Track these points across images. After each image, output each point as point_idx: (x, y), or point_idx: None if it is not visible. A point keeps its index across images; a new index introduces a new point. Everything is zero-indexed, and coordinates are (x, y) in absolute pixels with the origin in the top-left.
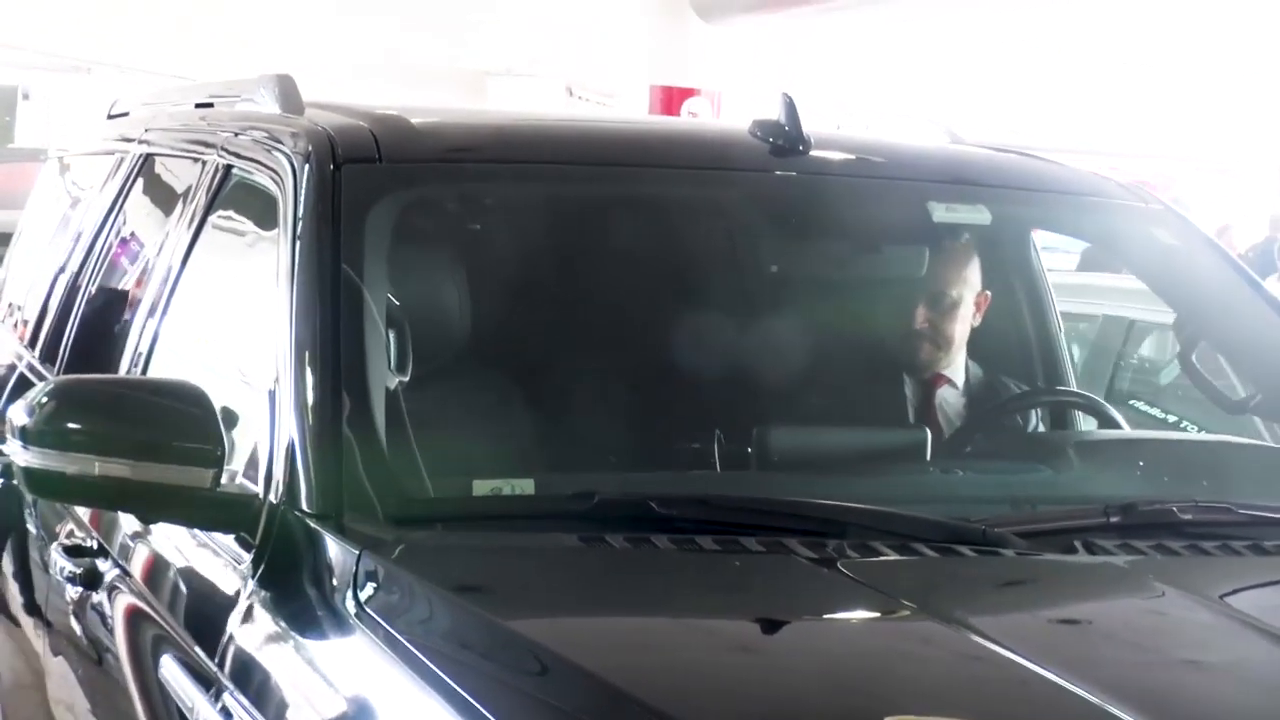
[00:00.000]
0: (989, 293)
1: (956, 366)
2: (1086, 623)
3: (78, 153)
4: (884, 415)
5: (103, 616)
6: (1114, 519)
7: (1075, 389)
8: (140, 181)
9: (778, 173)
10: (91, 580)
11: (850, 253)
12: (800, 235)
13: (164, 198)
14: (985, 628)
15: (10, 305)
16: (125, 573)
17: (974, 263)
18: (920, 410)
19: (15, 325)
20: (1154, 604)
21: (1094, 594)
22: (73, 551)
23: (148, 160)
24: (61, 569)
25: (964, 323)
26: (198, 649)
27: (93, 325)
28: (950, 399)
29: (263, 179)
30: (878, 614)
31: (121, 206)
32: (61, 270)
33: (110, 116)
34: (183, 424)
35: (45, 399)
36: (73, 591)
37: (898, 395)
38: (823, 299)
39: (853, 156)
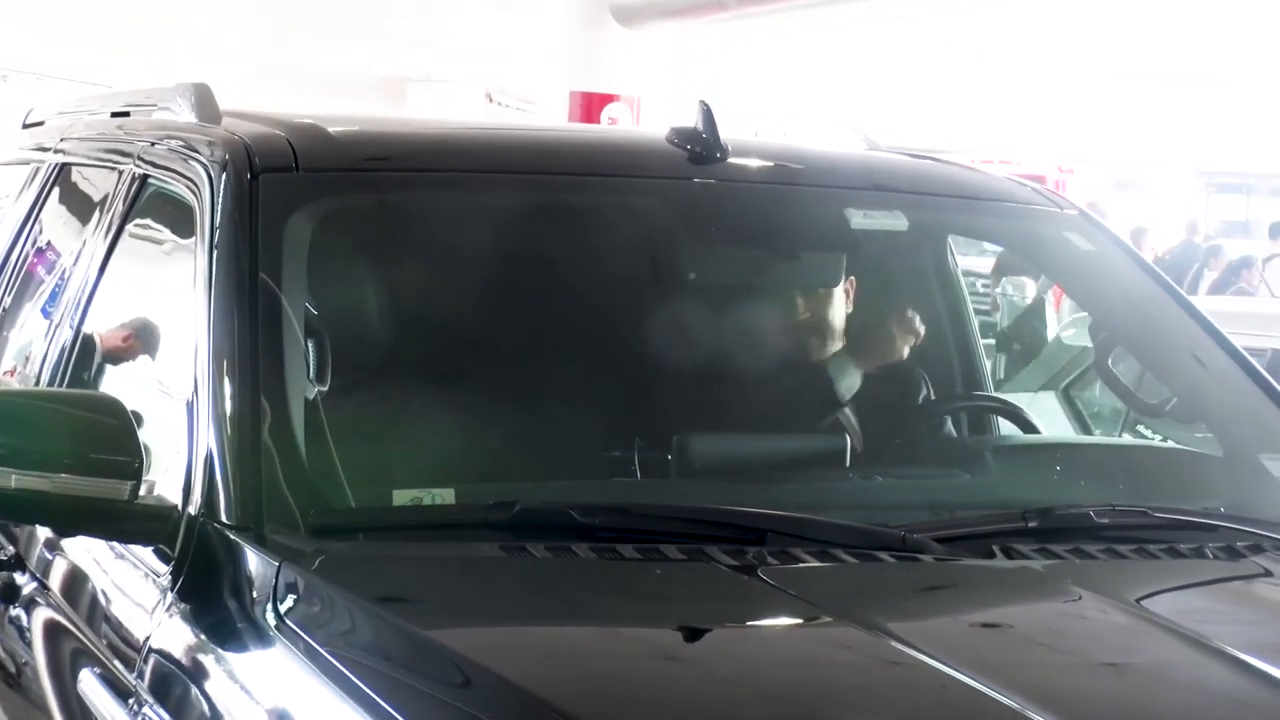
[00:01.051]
0: (854, 278)
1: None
2: (1005, 627)
3: None
4: (802, 420)
5: (20, 630)
6: (1032, 524)
7: (993, 394)
8: (56, 191)
9: (695, 180)
10: (8, 593)
11: (768, 260)
12: (718, 242)
13: (81, 208)
14: (905, 633)
15: None
16: (43, 586)
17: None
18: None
19: None
20: (1071, 608)
21: (1012, 598)
22: None
23: (64, 170)
24: None
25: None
26: (116, 662)
27: (9, 337)
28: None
29: (179, 188)
30: (798, 621)
31: (38, 216)
32: None
33: (25, 125)
34: (99, 436)
35: None
36: None
37: (814, 400)
38: (741, 306)
39: (770, 163)
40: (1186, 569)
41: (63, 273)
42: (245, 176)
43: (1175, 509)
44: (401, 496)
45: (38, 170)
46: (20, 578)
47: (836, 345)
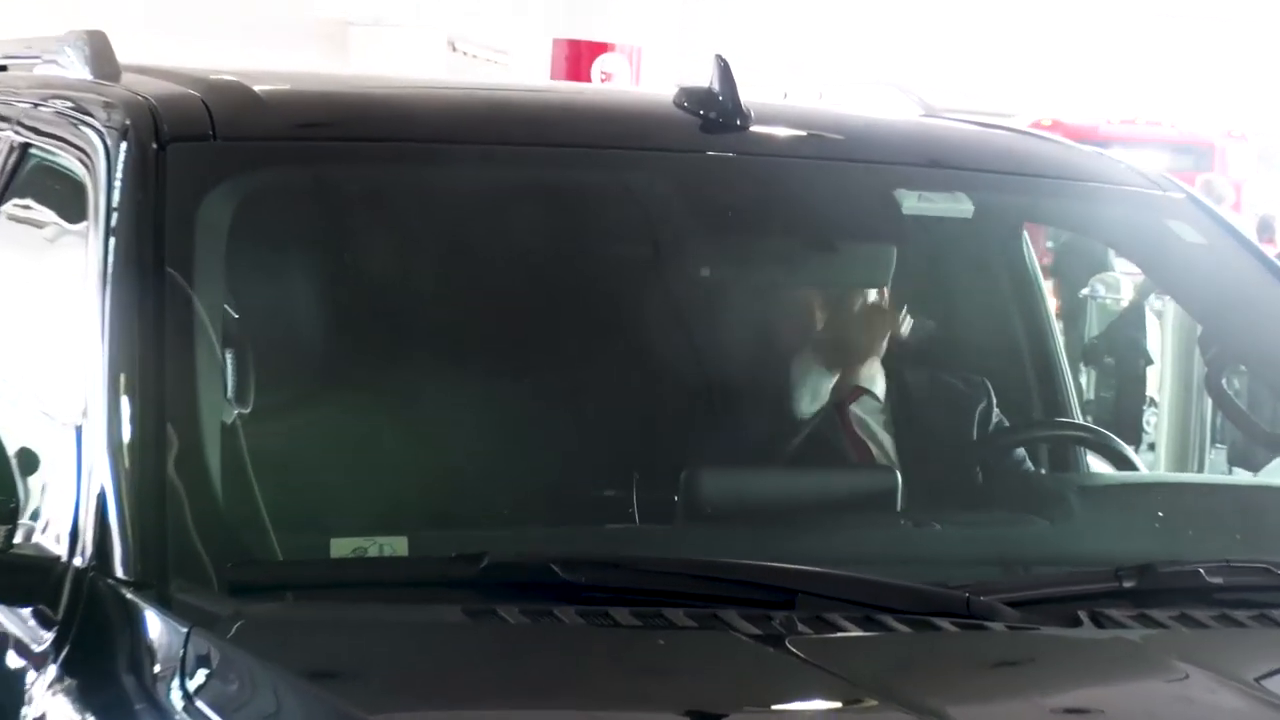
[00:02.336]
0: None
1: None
2: (1094, 714)
3: None
4: (839, 452)
5: None
6: (1127, 584)
7: (1080, 420)
8: None
9: (710, 153)
10: None
11: (799, 254)
12: (737, 231)
13: None
14: None
15: None
16: None
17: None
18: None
19: None
20: (1177, 689)
21: (1103, 678)
22: None
23: None
24: None
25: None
26: None
27: None
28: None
29: (68, 160)
30: (837, 705)
31: None
32: None
33: None
34: None
35: None
36: None
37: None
38: (764, 311)
39: (803, 133)
40: None
41: None
42: (150, 146)
43: None
44: (341, 546)
45: None
46: None
47: (882, 361)
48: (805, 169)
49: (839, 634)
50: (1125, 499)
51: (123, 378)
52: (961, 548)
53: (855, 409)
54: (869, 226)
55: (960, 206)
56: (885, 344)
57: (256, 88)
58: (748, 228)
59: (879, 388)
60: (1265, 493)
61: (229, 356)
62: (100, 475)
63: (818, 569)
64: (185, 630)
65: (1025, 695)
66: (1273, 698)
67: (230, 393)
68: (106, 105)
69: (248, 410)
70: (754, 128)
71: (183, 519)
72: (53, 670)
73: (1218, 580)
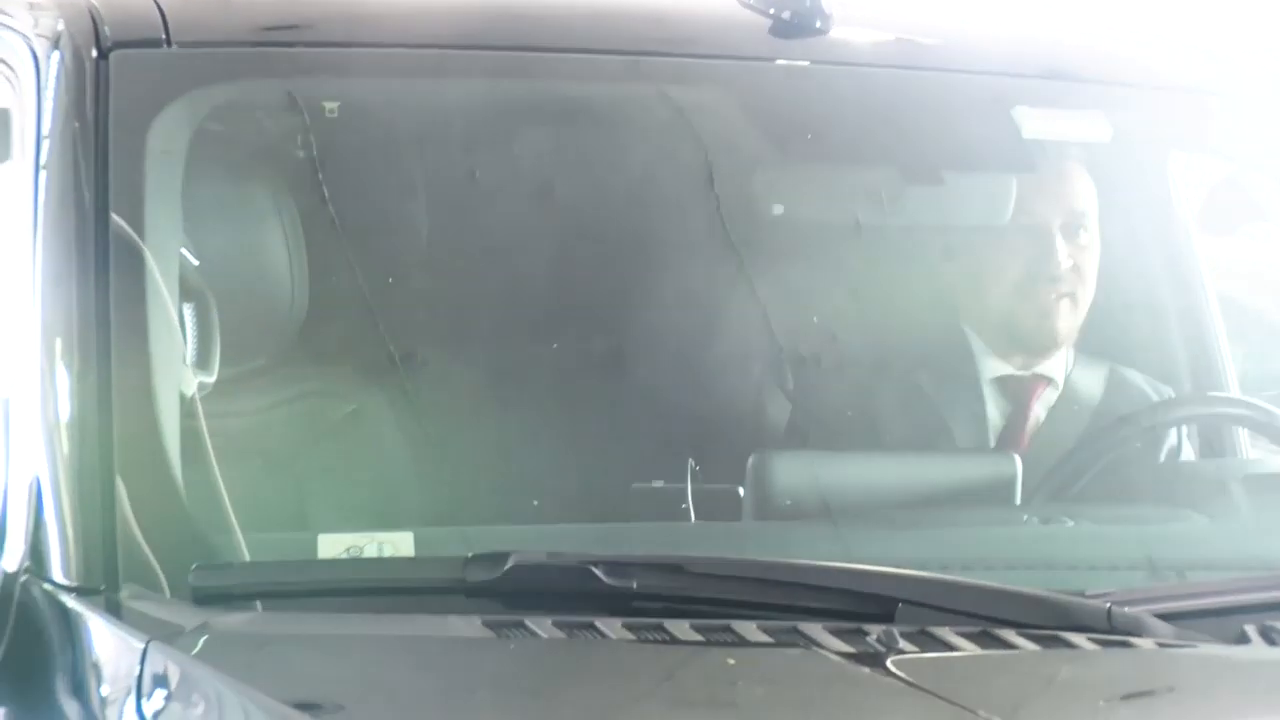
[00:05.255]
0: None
1: (1059, 360)
2: None
3: None
4: (946, 432)
5: None
6: None
7: (1240, 395)
8: None
9: (781, 61)
10: None
11: (892, 185)
12: (816, 158)
13: None
14: None
15: None
16: None
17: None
18: (1011, 427)
19: None
20: None
21: (1274, 706)
22: None
23: None
24: None
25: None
26: None
27: None
28: (1055, 408)
29: None
30: None
31: None
32: None
33: None
34: None
35: None
36: None
37: (969, 402)
38: (852, 256)
39: (894, 37)
40: None
41: None
42: (89, 54)
43: None
44: (331, 545)
45: None
46: None
47: (999, 318)
48: (898, 82)
49: (950, 653)
50: None
51: (58, 343)
52: (1100, 549)
53: (1040, 399)
54: (979, 153)
55: (1095, 130)
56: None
57: None
58: (827, 154)
59: (1060, 375)
60: None
61: (188, 314)
62: (34, 461)
63: (925, 574)
64: (141, 645)
65: None
66: None
67: (190, 359)
68: (32, 6)
69: (211, 380)
70: (835, 31)
71: (135, 513)
72: None
73: None
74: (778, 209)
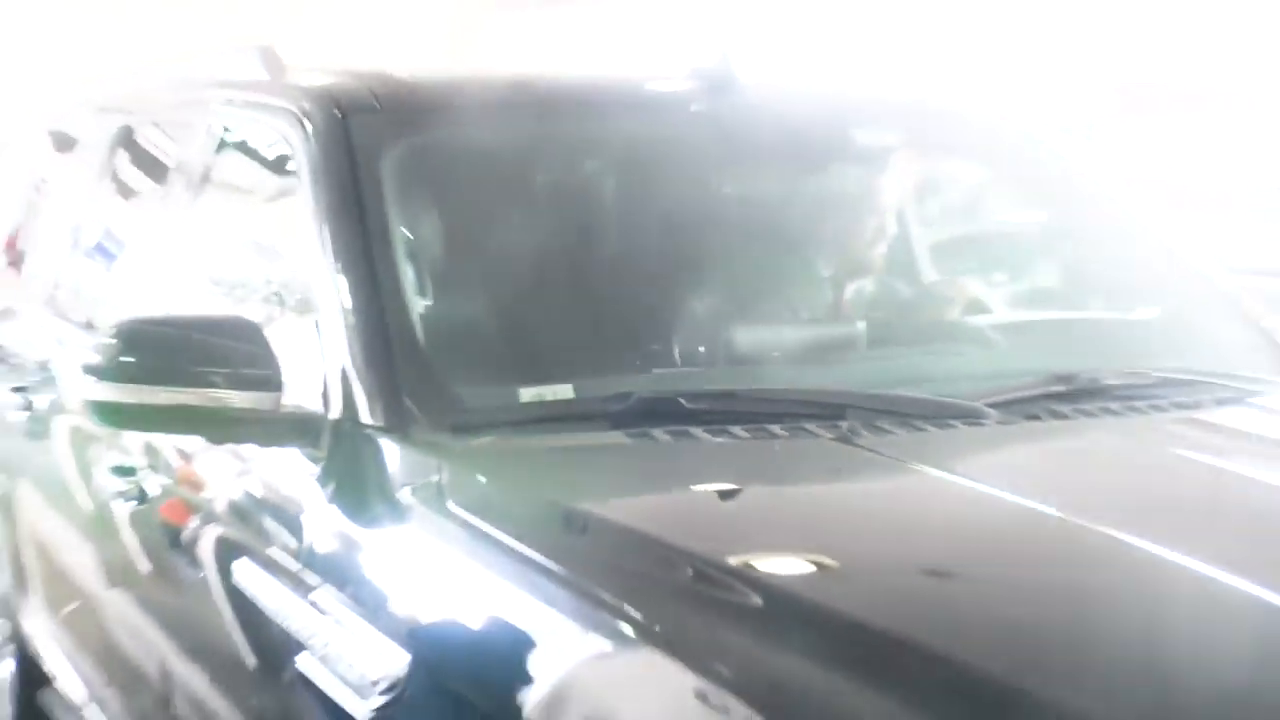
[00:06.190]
0: None
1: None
2: (1075, 471)
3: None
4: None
5: (174, 534)
6: (1061, 388)
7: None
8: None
9: (697, 108)
10: (142, 497)
11: (782, 175)
12: (742, 161)
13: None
14: (994, 480)
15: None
16: (189, 490)
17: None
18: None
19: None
20: (1127, 454)
21: (1074, 449)
22: (123, 472)
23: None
24: (121, 491)
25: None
26: (278, 552)
27: (130, 280)
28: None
29: (268, 134)
30: (907, 480)
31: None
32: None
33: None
34: (241, 354)
35: (113, 339)
36: (127, 508)
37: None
38: (767, 211)
39: (780, 90)
40: (1182, 419)
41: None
42: (337, 117)
43: (1166, 369)
44: (527, 394)
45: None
46: (162, 483)
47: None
48: (779, 118)
49: (890, 436)
50: (1043, 331)
51: (346, 279)
52: (953, 370)
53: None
54: (832, 156)
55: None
56: None
57: (393, 75)
58: (747, 160)
59: None
60: (1118, 324)
61: (418, 260)
62: (345, 352)
63: (877, 391)
64: (427, 458)
65: (1024, 465)
66: (1191, 452)
67: (429, 290)
68: (294, 92)
69: (444, 301)
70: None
71: (414, 380)
72: (322, 495)
73: (1117, 382)
74: (728, 190)
